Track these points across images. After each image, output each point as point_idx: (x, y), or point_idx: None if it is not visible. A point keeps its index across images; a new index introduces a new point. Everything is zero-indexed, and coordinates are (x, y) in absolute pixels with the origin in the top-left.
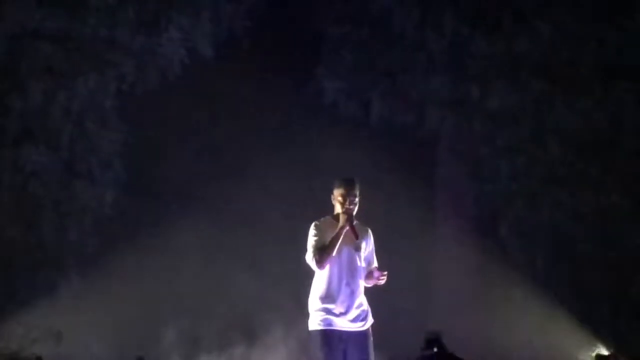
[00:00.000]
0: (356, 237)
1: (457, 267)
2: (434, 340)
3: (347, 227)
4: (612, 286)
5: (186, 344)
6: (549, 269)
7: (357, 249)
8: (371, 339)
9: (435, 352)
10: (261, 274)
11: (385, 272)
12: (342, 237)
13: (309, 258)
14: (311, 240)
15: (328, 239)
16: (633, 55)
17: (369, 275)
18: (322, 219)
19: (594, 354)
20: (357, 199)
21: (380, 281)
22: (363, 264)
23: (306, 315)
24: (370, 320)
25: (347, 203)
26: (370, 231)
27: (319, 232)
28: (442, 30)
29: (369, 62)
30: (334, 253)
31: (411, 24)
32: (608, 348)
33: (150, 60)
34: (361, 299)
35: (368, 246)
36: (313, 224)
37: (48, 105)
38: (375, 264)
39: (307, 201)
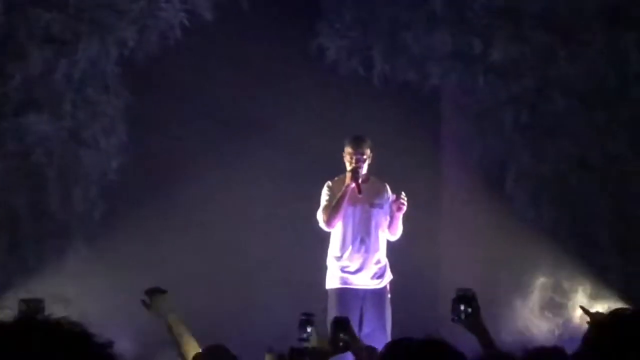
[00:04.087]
0: (359, 193)
1: (464, 223)
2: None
3: (353, 185)
4: (621, 236)
5: (194, 311)
6: (556, 221)
7: (373, 205)
8: (389, 296)
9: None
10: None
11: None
12: (348, 195)
13: (319, 217)
14: (322, 200)
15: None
16: (637, 2)
17: (391, 219)
18: (336, 178)
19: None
20: (365, 156)
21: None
22: (382, 219)
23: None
24: (388, 277)
25: (353, 161)
26: (387, 185)
27: (330, 192)
28: None
29: (369, 19)
30: (342, 211)
31: None
32: (618, 298)
33: (151, 24)
34: (379, 256)
35: (386, 201)
36: (326, 183)
37: (49, 73)
38: None
39: (310, 160)
